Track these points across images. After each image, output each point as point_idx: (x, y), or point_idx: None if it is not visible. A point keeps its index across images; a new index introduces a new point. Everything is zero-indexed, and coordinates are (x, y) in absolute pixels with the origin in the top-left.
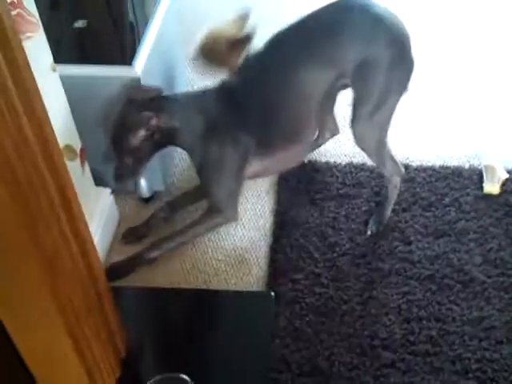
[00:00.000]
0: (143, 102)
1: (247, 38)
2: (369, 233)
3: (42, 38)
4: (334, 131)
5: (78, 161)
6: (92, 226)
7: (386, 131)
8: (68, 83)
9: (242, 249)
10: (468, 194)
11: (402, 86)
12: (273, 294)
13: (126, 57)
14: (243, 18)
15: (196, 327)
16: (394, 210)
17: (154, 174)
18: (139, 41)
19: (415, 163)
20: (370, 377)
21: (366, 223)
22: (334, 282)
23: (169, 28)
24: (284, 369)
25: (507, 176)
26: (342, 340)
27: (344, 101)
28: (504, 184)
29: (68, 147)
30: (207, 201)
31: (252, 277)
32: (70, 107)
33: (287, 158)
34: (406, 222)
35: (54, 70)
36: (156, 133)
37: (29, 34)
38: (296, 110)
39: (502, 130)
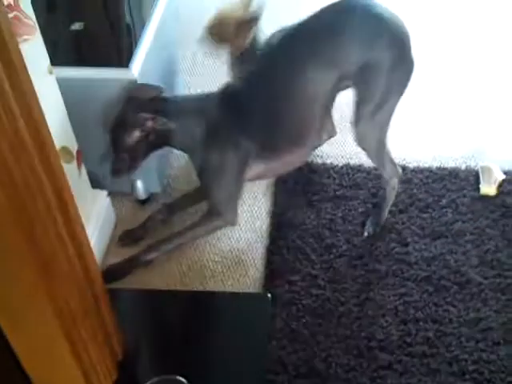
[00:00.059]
0: (142, 101)
1: (254, 18)
2: (366, 234)
3: (39, 40)
4: (331, 133)
5: (74, 163)
6: (89, 229)
7: (386, 131)
8: (65, 85)
9: (238, 250)
10: (465, 196)
11: (402, 86)
12: (269, 295)
13: (122, 59)
14: None
15: (193, 329)
16: (390, 212)
17: (150, 176)
18: (136, 43)
19: (412, 164)
20: (367, 378)
21: (363, 225)
22: (331, 283)
23: (165, 30)
24: (281, 370)
25: (504, 177)
26: (338, 341)
27: (340, 102)
28: (500, 185)
29: (65, 149)
30: (207, 203)
31: (248, 278)
32: (67, 109)
33: (291, 161)
34: (402, 223)
35: (51, 73)
36: (151, 134)
37: (26, 37)
38: (301, 112)
39: (499, 131)
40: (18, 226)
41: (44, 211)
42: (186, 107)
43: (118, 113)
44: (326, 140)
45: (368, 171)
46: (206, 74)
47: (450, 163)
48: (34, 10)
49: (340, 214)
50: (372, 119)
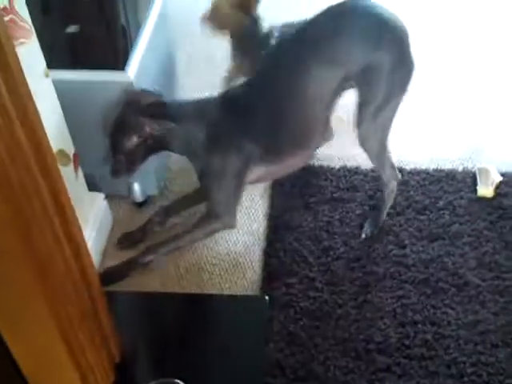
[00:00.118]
0: (141, 106)
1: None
2: (363, 236)
3: (35, 43)
4: (328, 136)
5: (71, 166)
6: (86, 231)
7: (388, 133)
8: (61, 88)
9: (235, 253)
10: (462, 197)
11: (403, 86)
12: (267, 298)
13: (118, 62)
14: None
15: (190, 332)
16: (388, 214)
17: (147, 179)
18: (132, 46)
19: (409, 166)
20: (365, 381)
21: (361, 227)
22: (329, 285)
23: (161, 32)
24: (278, 373)
25: (501, 179)
26: (336, 344)
27: (336, 104)
28: (498, 187)
29: (61, 152)
30: (206, 206)
31: (246, 281)
32: (63, 112)
33: (293, 163)
34: (400, 225)
35: (47, 76)
36: (149, 139)
37: (22, 40)
38: (305, 114)
39: (496, 133)
40: (15, 229)
41: (41, 213)
42: (186, 112)
43: (117, 116)
44: (324, 143)
45: (365, 173)
46: (202, 75)
47: (447, 165)
48: (30, 13)
49: (337, 217)
50: (374, 120)
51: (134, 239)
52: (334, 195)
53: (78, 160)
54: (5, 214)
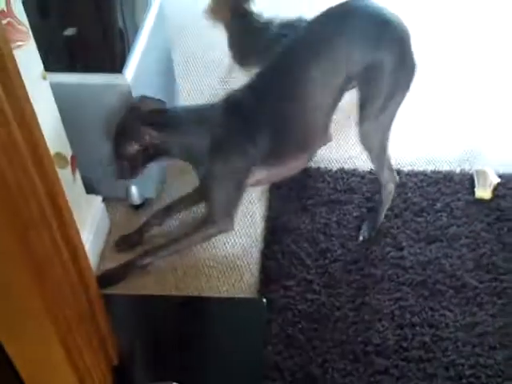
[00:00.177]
0: (143, 113)
1: None
2: (361, 238)
3: (33, 46)
4: (327, 138)
5: (68, 168)
6: (83, 234)
7: (388, 132)
8: (58, 91)
9: (233, 255)
10: (459, 199)
11: (405, 86)
12: (265, 300)
13: (115, 64)
14: None
15: (188, 334)
16: (385, 216)
17: (144, 182)
18: (129, 48)
19: (406, 168)
20: (364, 383)
21: (358, 229)
22: (326, 288)
23: (158, 35)
24: (277, 376)
25: (499, 180)
26: (334, 346)
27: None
28: (495, 189)
29: (59, 155)
30: (205, 210)
31: (244, 283)
32: (61, 115)
33: (294, 166)
34: (397, 227)
35: (45, 78)
36: (149, 147)
37: (19, 43)
38: (309, 116)
39: (494, 135)
40: (12, 231)
41: (38, 216)
42: (188, 118)
43: (118, 122)
44: (322, 145)
45: (362, 175)
46: (200, 78)
47: (444, 167)
48: (28, 16)
49: (335, 219)
50: (376, 119)
51: (132, 242)
52: (332, 197)
53: (75, 162)
54: (2, 216)
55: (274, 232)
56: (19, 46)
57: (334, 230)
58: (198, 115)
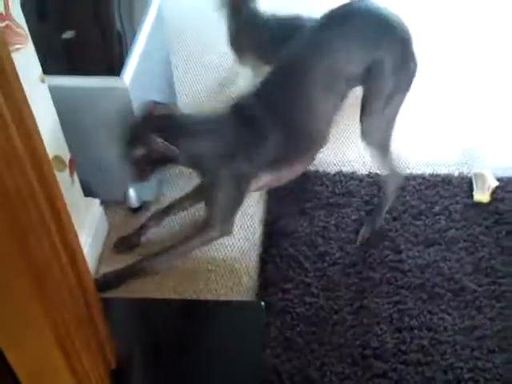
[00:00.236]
0: (154, 118)
1: None
2: (360, 239)
3: (31, 49)
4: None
5: (67, 171)
6: (81, 237)
7: (391, 130)
8: (57, 94)
9: (231, 259)
10: (458, 203)
11: (407, 85)
12: (263, 303)
13: (114, 68)
14: None
15: (186, 338)
16: (384, 219)
17: (143, 185)
18: (127, 52)
19: (405, 171)
20: None
21: (356, 232)
22: (325, 291)
23: (157, 38)
24: (275, 379)
25: (497, 184)
26: (333, 350)
27: None
28: (494, 192)
29: (57, 158)
30: (205, 214)
31: (242, 287)
32: (59, 118)
33: (298, 170)
34: (396, 230)
35: (43, 81)
36: (155, 154)
37: (18, 46)
38: (315, 122)
39: (492, 138)
40: (11, 235)
41: (37, 219)
42: (197, 126)
43: (129, 126)
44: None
45: (361, 179)
46: (198, 81)
47: (443, 170)
48: (26, 19)
49: (333, 222)
50: (378, 118)
51: (130, 243)
52: (330, 200)
53: (73, 166)
54: (1, 219)
55: (273, 235)
56: (18, 49)
57: (333, 233)
58: (207, 123)
